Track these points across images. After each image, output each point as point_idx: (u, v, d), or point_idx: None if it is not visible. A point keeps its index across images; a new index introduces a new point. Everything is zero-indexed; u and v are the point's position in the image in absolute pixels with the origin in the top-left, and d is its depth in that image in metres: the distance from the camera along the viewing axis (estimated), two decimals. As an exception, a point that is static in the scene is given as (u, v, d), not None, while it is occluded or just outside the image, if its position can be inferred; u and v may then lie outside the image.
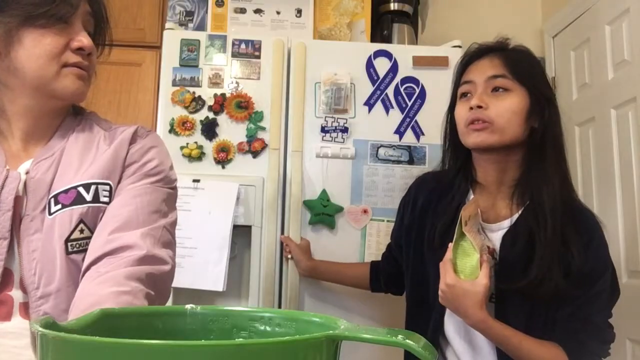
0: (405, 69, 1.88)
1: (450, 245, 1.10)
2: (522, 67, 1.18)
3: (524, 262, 1.13)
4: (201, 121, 1.79)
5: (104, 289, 0.74)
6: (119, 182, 0.90)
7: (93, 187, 0.86)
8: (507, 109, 1.15)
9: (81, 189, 0.86)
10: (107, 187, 0.88)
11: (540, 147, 1.17)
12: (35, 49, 0.84)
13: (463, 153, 1.27)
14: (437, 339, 1.21)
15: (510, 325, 1.10)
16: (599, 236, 1.15)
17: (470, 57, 1.24)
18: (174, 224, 0.93)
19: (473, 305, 1.05)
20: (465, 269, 1.08)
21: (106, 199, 0.87)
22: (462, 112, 1.20)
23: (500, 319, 1.11)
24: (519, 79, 1.16)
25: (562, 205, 1.14)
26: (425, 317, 1.24)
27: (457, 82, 1.26)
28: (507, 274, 1.13)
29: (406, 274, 1.35)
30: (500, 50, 1.22)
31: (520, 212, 1.17)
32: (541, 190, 1.14)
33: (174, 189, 0.97)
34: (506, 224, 1.18)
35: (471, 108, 1.16)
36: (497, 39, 1.25)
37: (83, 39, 0.87)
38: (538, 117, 1.17)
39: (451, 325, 1.20)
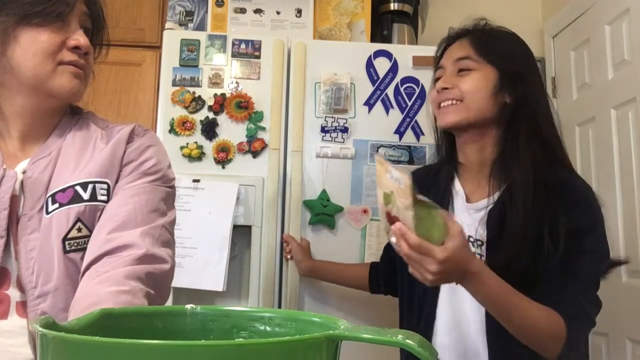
0: (405, 69, 1.88)
1: (405, 225, 0.93)
2: (489, 46, 1.21)
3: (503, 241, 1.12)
4: (201, 121, 1.79)
5: (104, 288, 0.74)
6: (116, 181, 0.90)
7: (90, 186, 0.86)
8: (470, 86, 1.18)
9: (78, 188, 0.86)
10: (105, 186, 0.88)
11: (514, 123, 1.17)
12: (32, 47, 0.84)
13: (450, 137, 1.30)
14: (429, 337, 1.20)
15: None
16: (588, 203, 1.11)
17: (445, 43, 1.29)
18: (172, 223, 0.93)
19: (466, 263, 0.96)
20: (434, 233, 0.94)
21: (104, 198, 0.87)
22: (432, 96, 1.26)
23: None
24: (485, 57, 1.19)
25: (538, 181, 1.11)
26: (417, 316, 1.23)
27: (435, 68, 1.30)
28: (496, 259, 1.11)
29: (398, 272, 1.35)
30: (473, 31, 1.26)
31: (500, 191, 1.16)
32: (513, 169, 1.14)
33: (172, 187, 0.97)
34: (484, 203, 1.18)
35: (438, 91, 1.21)
36: (473, 20, 1.28)
37: (79, 38, 0.87)
38: (509, 92, 1.18)
39: (441, 321, 1.20)
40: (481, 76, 1.18)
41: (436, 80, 1.26)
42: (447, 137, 1.31)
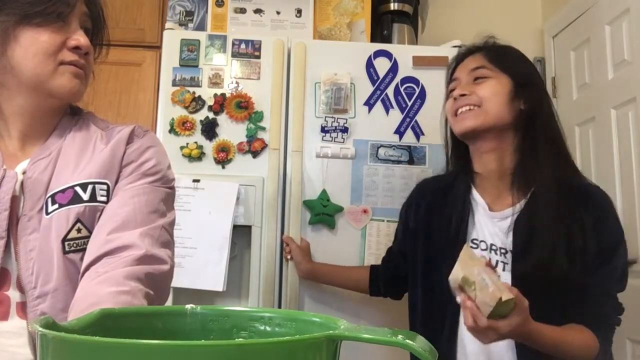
0: (405, 69, 1.88)
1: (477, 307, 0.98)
2: (502, 57, 1.27)
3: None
4: (201, 121, 1.79)
5: (103, 288, 0.74)
6: (116, 182, 0.90)
7: (90, 187, 0.86)
8: (487, 91, 1.22)
9: (78, 189, 0.86)
10: (105, 187, 0.88)
11: (531, 130, 1.21)
12: (32, 47, 0.84)
13: (462, 149, 1.31)
14: (453, 345, 1.20)
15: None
16: (609, 210, 1.17)
17: (458, 59, 1.33)
18: (172, 223, 0.93)
19: (525, 332, 1.01)
20: (503, 311, 0.98)
21: (104, 199, 0.87)
22: (448, 105, 1.29)
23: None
24: (499, 66, 1.24)
25: (561, 187, 1.16)
26: (439, 324, 1.22)
27: (449, 82, 1.34)
28: (522, 268, 1.15)
29: (412, 281, 1.34)
30: (484, 47, 1.31)
31: (525, 200, 1.19)
32: (535, 176, 1.17)
33: (172, 188, 0.97)
34: (508, 212, 1.20)
35: (455, 99, 1.25)
36: (482, 38, 1.33)
37: (80, 38, 0.87)
38: (524, 99, 1.23)
39: (466, 331, 1.19)
40: (497, 83, 1.23)
41: (450, 91, 1.30)
42: (460, 148, 1.33)
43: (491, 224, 1.21)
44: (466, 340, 1.19)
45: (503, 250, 1.18)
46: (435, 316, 1.24)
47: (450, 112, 1.27)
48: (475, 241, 1.22)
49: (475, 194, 1.26)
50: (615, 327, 1.15)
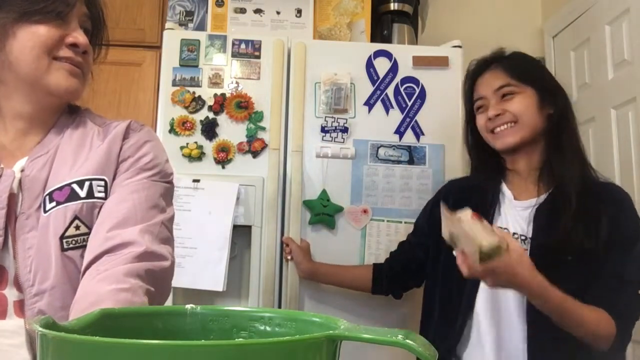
0: (405, 69, 1.88)
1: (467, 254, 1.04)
2: (522, 70, 1.34)
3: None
4: (201, 121, 1.79)
5: (104, 286, 0.74)
6: (114, 178, 0.90)
7: (87, 184, 0.86)
8: (520, 107, 1.29)
9: (75, 186, 0.86)
10: (102, 183, 0.88)
11: (558, 132, 1.30)
12: (30, 41, 0.84)
13: (490, 149, 1.38)
14: (469, 318, 1.26)
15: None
16: (628, 205, 1.24)
17: (474, 73, 1.40)
18: (171, 219, 0.93)
19: (528, 269, 1.04)
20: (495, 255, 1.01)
21: (101, 195, 0.87)
22: (482, 123, 1.35)
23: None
24: (522, 80, 1.31)
25: (584, 185, 1.23)
26: (455, 315, 1.27)
27: (469, 96, 1.40)
28: (539, 250, 1.20)
29: (433, 270, 1.40)
30: (499, 60, 1.37)
31: (547, 194, 1.27)
32: (563, 174, 1.25)
33: (171, 183, 0.96)
34: (532, 202, 1.27)
35: (490, 119, 1.32)
36: (492, 51, 1.40)
37: (78, 36, 0.87)
38: (551, 105, 1.31)
39: (481, 305, 1.25)
40: (524, 97, 1.31)
41: (477, 108, 1.37)
42: (487, 150, 1.38)
43: (514, 212, 1.29)
44: (481, 315, 1.25)
45: (523, 237, 1.24)
46: (454, 292, 1.29)
47: (486, 130, 1.34)
48: (498, 228, 1.27)
49: (504, 187, 1.35)
50: (634, 320, 1.18)
